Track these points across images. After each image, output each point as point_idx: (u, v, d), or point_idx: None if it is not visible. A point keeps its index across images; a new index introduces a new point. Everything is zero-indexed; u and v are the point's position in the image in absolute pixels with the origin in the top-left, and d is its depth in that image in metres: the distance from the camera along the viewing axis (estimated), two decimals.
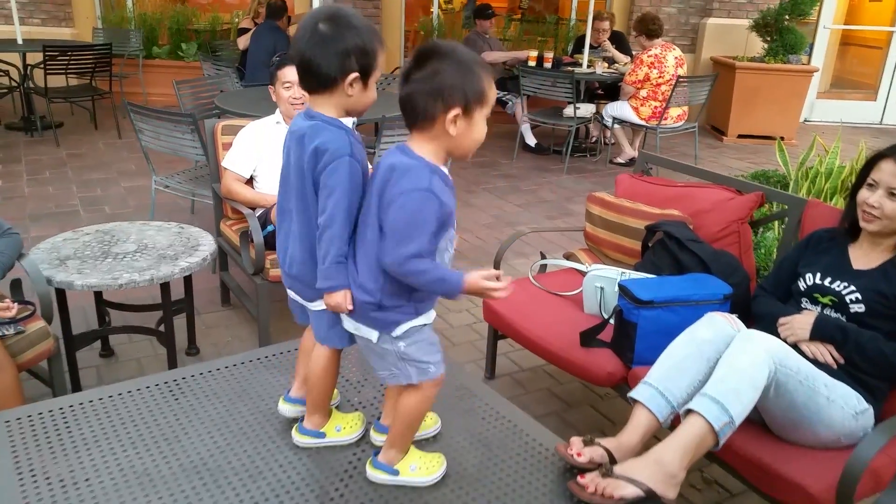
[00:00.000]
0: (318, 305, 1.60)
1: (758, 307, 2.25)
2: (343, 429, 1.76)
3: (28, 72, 6.33)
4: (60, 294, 2.65)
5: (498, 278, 1.48)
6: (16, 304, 2.33)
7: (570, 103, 6.15)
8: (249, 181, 3.21)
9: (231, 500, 1.54)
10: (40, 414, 1.83)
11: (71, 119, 6.94)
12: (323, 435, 1.74)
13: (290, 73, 3.11)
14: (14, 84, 6.55)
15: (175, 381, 2.00)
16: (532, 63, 6.75)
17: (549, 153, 6.79)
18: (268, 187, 3.15)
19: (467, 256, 4.29)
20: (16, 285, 2.55)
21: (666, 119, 6.12)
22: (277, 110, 3.29)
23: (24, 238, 2.62)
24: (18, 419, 1.80)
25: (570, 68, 6.58)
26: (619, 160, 6.56)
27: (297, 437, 1.74)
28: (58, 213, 4.61)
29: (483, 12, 7.04)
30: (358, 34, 1.45)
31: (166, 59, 7.73)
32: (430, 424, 1.82)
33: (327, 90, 1.48)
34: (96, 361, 3.03)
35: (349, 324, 1.57)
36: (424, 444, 1.76)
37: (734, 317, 1.94)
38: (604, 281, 2.52)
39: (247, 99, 4.53)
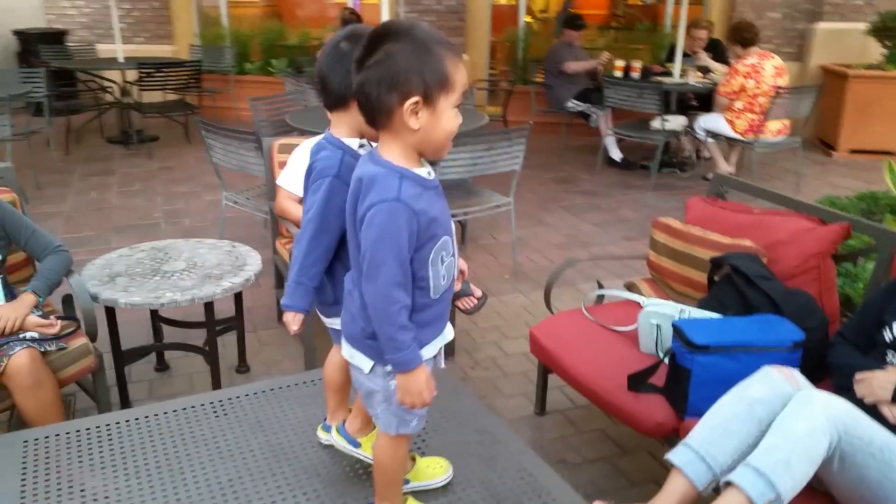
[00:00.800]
0: (333, 323, 1.56)
1: (834, 357, 1.98)
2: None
3: (127, 88, 6.64)
4: (111, 310, 2.68)
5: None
6: (59, 321, 2.37)
7: (658, 115, 5.85)
8: None
9: None
10: (57, 436, 1.82)
11: (167, 133, 7.23)
12: (358, 445, 1.67)
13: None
14: (115, 100, 6.89)
15: (193, 407, 1.96)
16: (618, 73, 6.47)
17: (636, 168, 6.47)
18: None
19: (532, 278, 4.11)
20: (67, 301, 2.60)
21: (764, 133, 5.70)
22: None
23: (105, 249, 2.67)
24: (36, 440, 1.80)
25: (658, 78, 6.26)
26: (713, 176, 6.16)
27: (333, 436, 1.69)
28: (140, 226, 4.77)
29: (572, 22, 6.83)
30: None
31: (257, 75, 7.95)
32: (439, 473, 1.67)
33: (341, 108, 1.45)
34: (151, 375, 3.06)
35: (346, 350, 1.44)
36: (430, 496, 1.63)
37: (795, 372, 1.69)
38: (660, 318, 2.29)
39: (320, 116, 4.53)
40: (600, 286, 2.84)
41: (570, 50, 6.70)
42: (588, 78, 6.81)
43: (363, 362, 1.39)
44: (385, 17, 4.48)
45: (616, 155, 6.56)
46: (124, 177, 5.86)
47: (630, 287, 2.81)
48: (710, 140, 6.05)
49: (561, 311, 2.72)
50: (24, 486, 1.62)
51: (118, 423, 1.89)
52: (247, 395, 2.03)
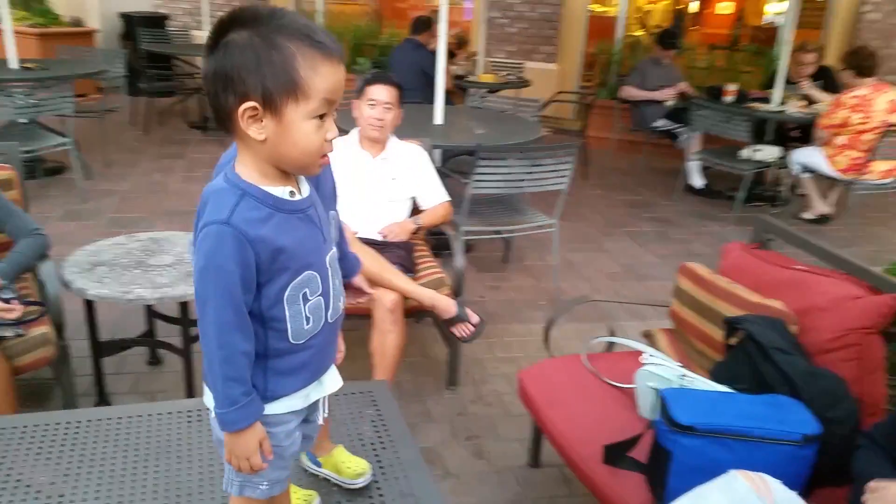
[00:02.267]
0: None
1: (857, 462, 1.58)
2: None
3: None
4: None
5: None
6: (24, 305, 2.29)
7: (748, 144, 5.34)
8: None
9: None
10: None
11: None
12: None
13: (378, 91, 2.88)
14: (197, 86, 7.04)
15: (142, 416, 1.82)
16: (731, 97, 5.94)
17: (720, 198, 5.94)
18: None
19: (571, 309, 3.77)
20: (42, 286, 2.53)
21: (868, 173, 5.08)
22: (353, 131, 3.06)
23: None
24: None
25: (755, 104, 5.72)
26: (807, 216, 5.57)
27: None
28: (190, 212, 4.72)
29: (664, 39, 6.37)
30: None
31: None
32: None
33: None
34: (141, 368, 2.98)
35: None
36: None
37: (769, 480, 1.33)
38: (658, 380, 1.95)
39: None
40: (611, 333, 2.50)
41: (657, 69, 6.26)
42: (680, 97, 6.34)
43: (209, 398, 1.16)
44: (442, 20, 4.26)
45: (698, 182, 6.06)
46: (192, 162, 5.92)
47: (647, 336, 2.46)
48: (805, 176, 5.47)
49: (562, 356, 2.41)
50: None
51: (48, 424, 1.77)
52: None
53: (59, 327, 2.35)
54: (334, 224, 1.44)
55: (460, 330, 2.58)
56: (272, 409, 1.14)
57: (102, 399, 2.70)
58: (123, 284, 2.39)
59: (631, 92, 6.34)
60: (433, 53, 5.96)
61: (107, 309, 2.82)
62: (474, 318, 2.57)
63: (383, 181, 2.93)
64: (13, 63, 4.88)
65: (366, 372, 2.59)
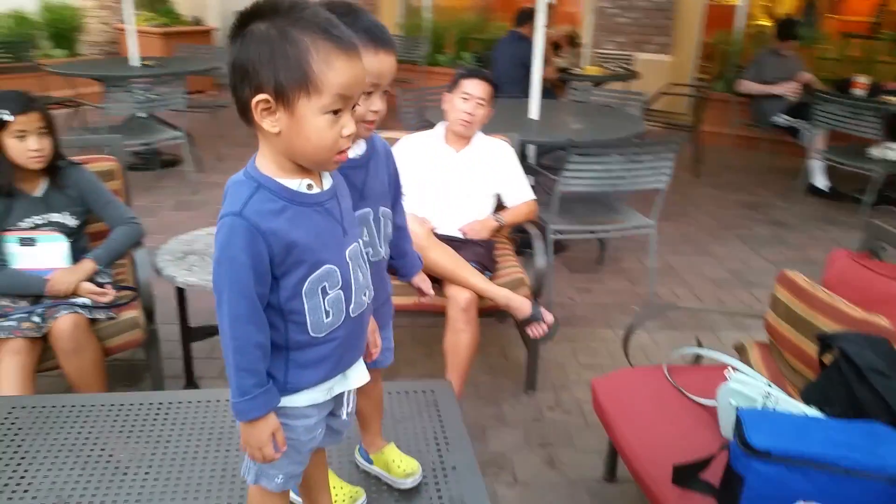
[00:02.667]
0: None
1: None
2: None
3: None
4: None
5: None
6: (117, 290, 2.42)
7: (879, 141, 4.90)
8: None
9: None
10: (44, 407, 1.80)
11: None
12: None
13: (472, 86, 2.84)
14: None
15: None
16: (862, 90, 5.50)
17: (846, 201, 5.48)
18: (415, 208, 2.89)
19: (665, 314, 3.58)
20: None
21: None
22: (440, 124, 3.03)
23: None
24: (22, 407, 1.79)
25: (889, 97, 5.24)
26: None
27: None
28: None
29: (784, 29, 5.94)
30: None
31: (446, 67, 7.93)
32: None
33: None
34: None
35: None
36: None
37: None
38: (741, 398, 1.80)
39: None
40: (699, 344, 2.33)
41: (776, 60, 5.84)
42: (805, 91, 5.90)
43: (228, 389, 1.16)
44: (541, 11, 4.15)
45: (821, 182, 5.61)
46: None
47: (738, 350, 2.29)
48: None
49: (643, 366, 2.27)
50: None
51: (133, 404, 1.84)
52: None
53: (149, 312, 2.46)
54: (388, 223, 1.42)
55: (534, 330, 2.49)
56: (293, 401, 1.13)
57: (191, 382, 2.81)
58: (210, 273, 2.46)
59: (748, 85, 5.97)
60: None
61: (198, 296, 2.92)
62: (548, 318, 2.47)
63: (466, 177, 2.88)
64: (134, 61, 5.21)
65: (441, 370, 2.55)
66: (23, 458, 1.60)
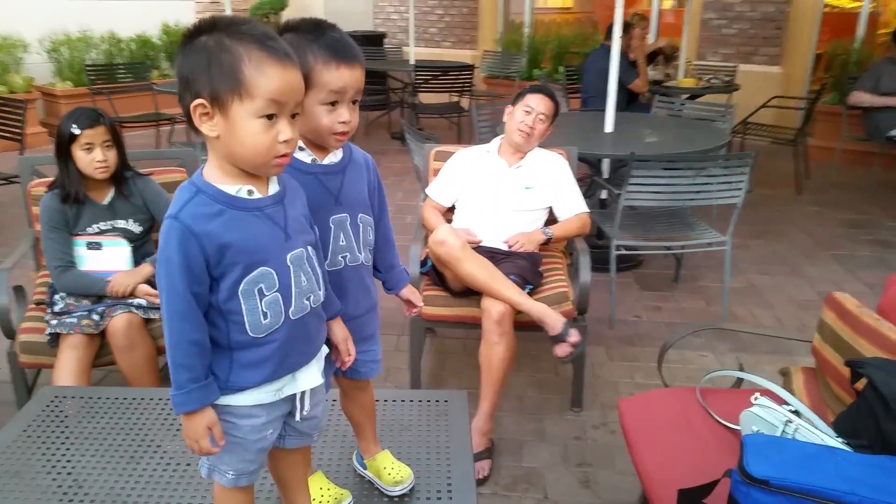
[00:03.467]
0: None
1: None
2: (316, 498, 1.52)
3: (412, 89, 7.09)
4: None
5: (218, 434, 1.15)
6: None
7: None
8: (452, 210, 3.02)
9: None
10: (81, 398, 1.94)
11: (446, 133, 7.52)
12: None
13: (536, 100, 2.86)
14: (398, 99, 7.44)
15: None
16: None
17: None
18: (463, 220, 2.91)
19: (739, 337, 3.38)
20: None
21: None
22: (496, 139, 3.03)
23: None
24: (70, 397, 1.94)
25: None
26: None
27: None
28: None
29: None
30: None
31: (557, 81, 7.89)
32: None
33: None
34: None
35: None
36: None
37: None
38: (762, 424, 1.68)
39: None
40: (740, 367, 2.19)
41: (893, 68, 5.41)
42: None
43: None
44: (617, 22, 4.06)
45: None
46: (384, 170, 6.27)
47: (784, 374, 2.13)
48: None
49: (677, 387, 2.17)
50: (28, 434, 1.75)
51: (100, 397, 1.93)
52: None
53: None
54: (368, 229, 1.44)
55: (558, 349, 2.43)
56: (238, 400, 1.16)
57: None
58: None
59: (862, 97, 5.55)
60: (627, 59, 5.75)
61: None
62: (573, 339, 2.40)
63: (515, 190, 2.86)
64: None
65: (478, 382, 2.53)
66: (62, 442, 1.72)
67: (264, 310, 1.13)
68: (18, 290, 2.55)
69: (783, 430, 1.62)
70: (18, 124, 4.10)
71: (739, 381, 2.21)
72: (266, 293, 1.12)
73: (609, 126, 4.12)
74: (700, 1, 7.73)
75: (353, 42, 1.31)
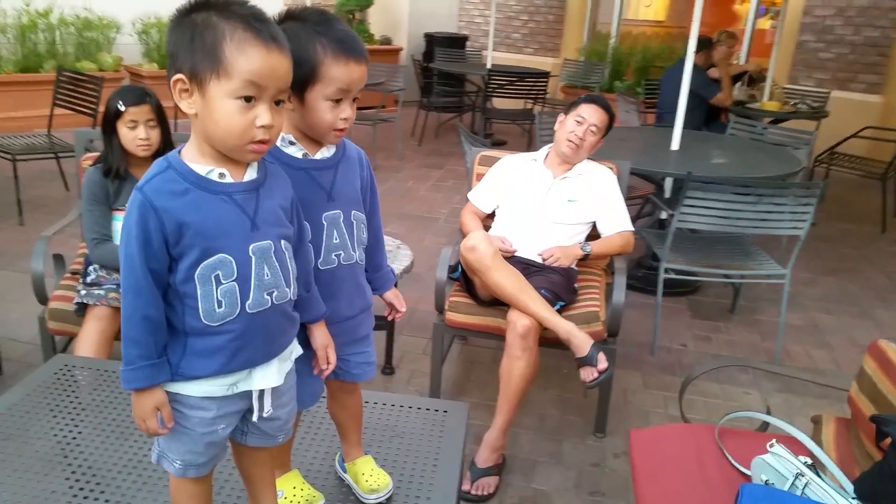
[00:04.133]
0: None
1: None
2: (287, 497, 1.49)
3: (484, 94, 7.04)
4: None
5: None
6: None
7: None
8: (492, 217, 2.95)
9: None
10: (90, 368, 1.98)
11: (516, 140, 7.44)
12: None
13: (589, 111, 2.79)
14: (471, 103, 7.41)
15: None
16: None
17: None
18: (500, 228, 2.84)
19: (779, 376, 3.17)
20: None
21: None
22: (544, 147, 2.95)
23: (385, 232, 2.88)
24: (79, 367, 1.98)
25: None
26: None
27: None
28: (422, 217, 5.02)
29: None
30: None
31: (613, 94, 7.70)
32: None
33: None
34: None
35: None
36: None
37: None
38: (772, 473, 1.56)
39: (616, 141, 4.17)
40: (767, 410, 2.04)
41: None
42: None
43: None
44: (693, 36, 3.89)
45: None
46: (447, 172, 6.24)
47: (815, 422, 1.97)
48: None
49: (696, 423, 2.04)
50: (31, 399, 1.80)
51: None
52: None
53: None
54: (362, 227, 1.40)
55: (583, 373, 2.32)
56: (186, 389, 1.13)
57: None
58: None
59: None
60: (707, 76, 5.53)
61: None
62: (601, 365, 2.29)
63: (557, 202, 2.77)
64: None
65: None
66: (60, 411, 1.75)
67: (219, 298, 1.09)
68: (58, 259, 2.63)
69: (793, 483, 1.49)
70: (94, 100, 4.28)
71: (767, 424, 2.05)
72: (223, 281, 1.09)
73: (675, 144, 3.96)
74: (797, 22, 7.37)
75: (358, 37, 1.27)
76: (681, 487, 1.74)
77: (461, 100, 7.57)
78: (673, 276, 3.31)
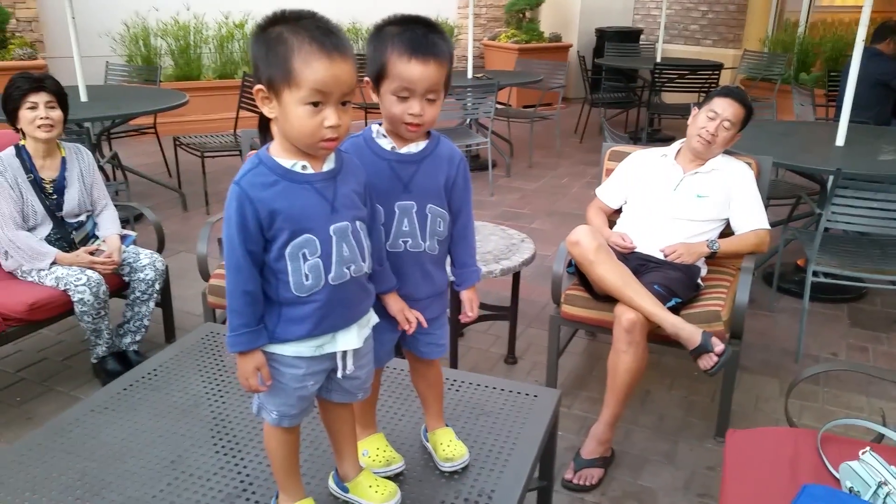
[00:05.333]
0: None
1: None
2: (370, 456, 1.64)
3: (651, 88, 6.85)
4: None
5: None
6: None
7: None
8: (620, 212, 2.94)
9: None
10: (218, 334, 2.25)
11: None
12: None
13: (722, 105, 2.74)
14: (636, 97, 7.23)
15: None
16: None
17: None
18: (626, 224, 2.83)
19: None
20: None
21: None
22: (677, 142, 2.89)
23: (524, 227, 3.03)
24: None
25: None
26: None
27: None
28: (571, 214, 5.01)
29: None
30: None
31: (804, 86, 7.11)
32: (376, 498, 1.51)
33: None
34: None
35: None
36: None
37: None
38: (857, 480, 1.50)
39: (772, 136, 3.95)
40: (882, 420, 1.88)
41: None
42: None
43: None
44: (863, 22, 3.58)
45: None
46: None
47: None
48: None
49: (799, 427, 1.93)
50: (178, 358, 2.13)
51: None
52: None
53: None
54: (438, 220, 1.49)
55: (703, 362, 2.26)
56: (281, 350, 1.32)
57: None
58: None
59: None
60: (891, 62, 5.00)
61: None
62: (718, 347, 2.22)
63: (685, 198, 2.71)
64: (469, 74, 5.84)
65: (639, 393, 2.44)
66: (195, 370, 2.06)
67: (306, 272, 1.27)
68: (221, 242, 3.01)
69: (874, 492, 1.41)
70: None
71: (880, 436, 1.90)
72: (308, 258, 1.27)
73: (841, 139, 3.66)
74: None
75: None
76: (766, 489, 1.68)
77: (629, 95, 7.41)
78: (822, 279, 3.08)
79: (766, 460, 1.79)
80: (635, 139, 7.03)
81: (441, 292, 1.58)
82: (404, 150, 1.45)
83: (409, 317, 1.49)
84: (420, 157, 1.46)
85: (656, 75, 6.25)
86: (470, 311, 1.61)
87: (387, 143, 1.44)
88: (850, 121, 3.70)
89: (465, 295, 1.60)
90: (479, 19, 8.98)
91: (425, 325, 1.52)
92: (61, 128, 2.80)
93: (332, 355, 1.37)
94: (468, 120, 5.69)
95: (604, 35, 8.46)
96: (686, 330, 2.29)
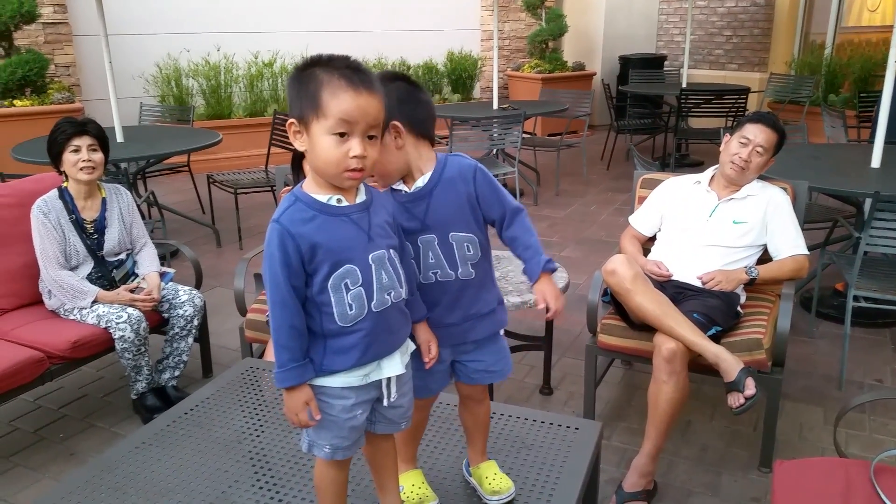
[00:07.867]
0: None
1: None
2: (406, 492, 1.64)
3: (678, 114, 6.84)
4: None
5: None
6: None
7: None
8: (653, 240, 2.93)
9: None
10: (258, 369, 2.27)
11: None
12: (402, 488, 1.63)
13: (754, 131, 2.72)
14: (662, 122, 7.23)
15: None
16: None
17: None
18: (660, 252, 2.81)
19: None
20: None
21: None
22: (710, 169, 2.88)
23: (554, 256, 3.04)
24: (262, 369, 2.31)
25: None
26: None
27: None
28: (599, 241, 5.00)
29: None
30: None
31: (839, 108, 7.06)
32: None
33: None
34: None
35: None
36: None
37: None
38: None
39: (803, 159, 3.91)
40: None
41: None
42: None
43: None
44: None
45: None
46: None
47: None
48: None
49: (850, 458, 1.88)
50: (220, 394, 2.14)
51: None
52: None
53: None
54: (465, 245, 1.50)
55: (732, 399, 2.22)
56: (329, 382, 1.34)
57: None
58: None
59: None
60: None
61: None
62: (748, 391, 2.18)
63: (721, 225, 2.69)
64: (495, 105, 5.89)
65: (681, 426, 2.41)
66: (237, 406, 2.07)
67: (350, 302, 1.29)
68: (258, 277, 3.05)
69: None
70: None
71: None
72: (351, 287, 1.29)
73: (876, 161, 3.62)
74: None
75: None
76: None
77: (654, 121, 7.41)
78: (863, 304, 3.02)
79: (816, 492, 1.75)
80: (664, 165, 7.01)
81: (479, 315, 1.57)
82: (413, 188, 1.48)
83: (432, 350, 1.51)
84: (428, 190, 1.49)
85: (682, 100, 6.24)
86: (552, 302, 1.52)
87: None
88: (886, 142, 3.67)
89: (540, 286, 1.53)
90: (502, 51, 9.08)
91: (433, 360, 1.51)
92: (102, 170, 2.87)
93: (378, 384, 1.38)
94: (495, 150, 5.72)
95: (628, 62, 8.50)
96: (727, 361, 2.26)
